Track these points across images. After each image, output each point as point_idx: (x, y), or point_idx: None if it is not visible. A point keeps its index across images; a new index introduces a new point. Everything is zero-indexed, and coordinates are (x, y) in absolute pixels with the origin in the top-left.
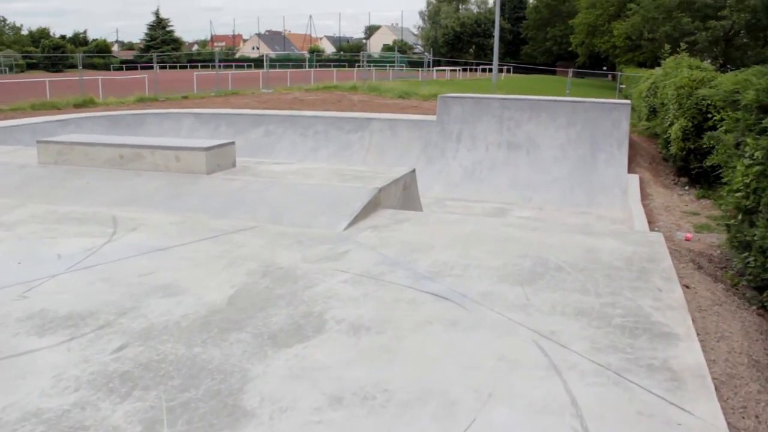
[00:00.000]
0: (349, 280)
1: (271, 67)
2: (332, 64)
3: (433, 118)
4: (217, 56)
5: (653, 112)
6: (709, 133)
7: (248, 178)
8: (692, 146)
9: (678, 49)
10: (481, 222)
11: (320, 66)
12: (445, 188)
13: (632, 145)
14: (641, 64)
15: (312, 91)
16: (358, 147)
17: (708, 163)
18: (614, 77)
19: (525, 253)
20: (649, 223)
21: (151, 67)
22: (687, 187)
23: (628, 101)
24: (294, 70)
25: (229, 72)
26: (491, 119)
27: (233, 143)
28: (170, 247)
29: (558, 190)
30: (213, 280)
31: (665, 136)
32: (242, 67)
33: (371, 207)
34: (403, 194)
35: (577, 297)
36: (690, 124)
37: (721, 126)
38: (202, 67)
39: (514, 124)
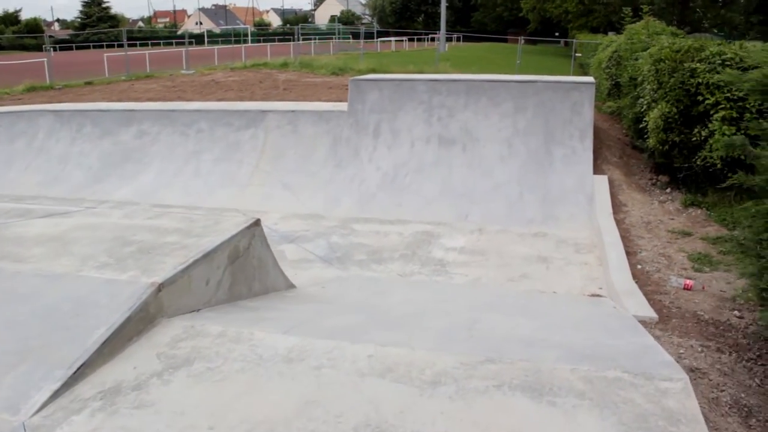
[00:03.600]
0: None
1: (213, 43)
2: (276, 38)
3: (344, 107)
4: (125, 34)
5: (617, 88)
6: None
7: None
8: (677, 138)
9: (640, 13)
10: (337, 356)
11: (264, 40)
12: (356, 202)
13: (595, 132)
14: (594, 30)
15: (238, 69)
16: (249, 148)
17: (701, 162)
18: (567, 44)
19: None
20: (628, 253)
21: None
22: (669, 189)
23: (592, 79)
24: (224, 46)
25: (146, 51)
26: (417, 107)
27: None
28: None
29: (503, 200)
30: None
31: (639, 125)
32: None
33: (138, 325)
34: (233, 269)
35: None
36: (674, 109)
37: (717, 113)
38: (141, 45)
39: (446, 113)
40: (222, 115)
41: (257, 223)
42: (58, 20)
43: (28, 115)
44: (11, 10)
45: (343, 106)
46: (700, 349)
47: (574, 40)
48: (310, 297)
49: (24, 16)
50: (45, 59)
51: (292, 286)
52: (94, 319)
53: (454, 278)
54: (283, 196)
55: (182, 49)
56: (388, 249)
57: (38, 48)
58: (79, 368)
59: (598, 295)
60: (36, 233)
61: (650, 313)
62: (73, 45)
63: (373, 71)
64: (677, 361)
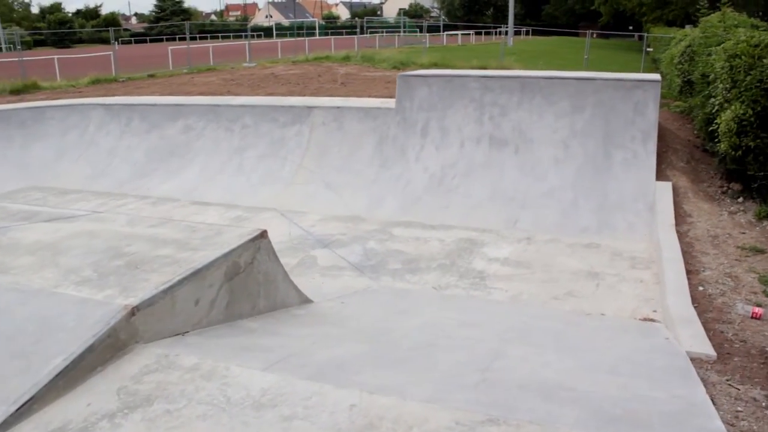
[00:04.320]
0: None
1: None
2: (344, 31)
3: (393, 103)
4: (188, 27)
5: (689, 85)
6: None
7: None
8: (752, 143)
9: (718, 4)
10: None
11: (331, 33)
12: (400, 204)
13: (662, 133)
14: (670, 23)
15: (299, 63)
16: (294, 145)
17: None
18: (641, 38)
19: None
20: (689, 272)
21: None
22: (741, 199)
23: (657, 76)
24: (289, 39)
25: (210, 44)
26: (468, 105)
27: None
28: None
29: (556, 206)
30: None
31: (710, 127)
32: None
33: (104, 353)
34: (231, 286)
35: None
36: (750, 111)
37: None
38: (212, 38)
39: (498, 112)
40: (267, 111)
41: (263, 235)
42: (135, 14)
43: (81, 108)
44: (92, 5)
45: (391, 102)
46: (764, 403)
47: (646, 34)
48: (321, 316)
49: (104, 10)
50: (111, 52)
51: (307, 301)
52: (56, 345)
53: (493, 293)
54: (326, 195)
55: (246, 42)
56: (426, 258)
57: (115, 42)
58: (24, 404)
59: (651, 320)
60: (32, 240)
61: (707, 350)
62: (147, 38)
63: (436, 66)
64: (733, 425)
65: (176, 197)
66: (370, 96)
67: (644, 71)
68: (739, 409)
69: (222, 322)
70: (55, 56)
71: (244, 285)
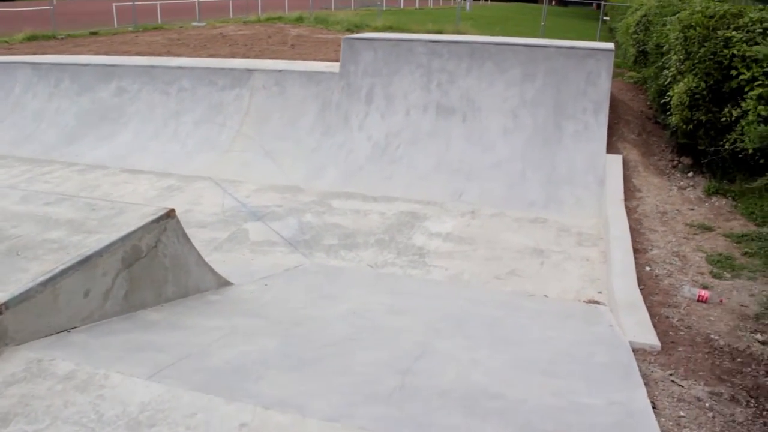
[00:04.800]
0: None
1: None
2: None
3: (337, 68)
4: None
5: (644, 56)
6: None
7: None
8: (704, 117)
9: None
10: None
11: None
12: (341, 174)
13: (614, 104)
14: None
15: (250, 23)
16: (233, 110)
17: (729, 145)
18: (599, 6)
19: None
20: (636, 250)
21: None
22: (691, 174)
23: (611, 45)
24: None
25: (159, 2)
26: (415, 71)
27: None
28: None
29: (504, 178)
30: None
31: (663, 99)
32: None
33: None
34: (131, 273)
35: None
36: (703, 84)
37: (753, 90)
38: None
39: (446, 78)
40: (206, 73)
41: (170, 214)
42: None
43: (5, 67)
44: None
45: (336, 67)
46: (708, 403)
47: (603, 2)
48: (238, 303)
49: None
50: (50, 6)
51: (226, 284)
52: None
53: (432, 272)
54: (264, 164)
55: (196, 0)
56: (364, 232)
57: None
58: None
59: (596, 302)
60: None
61: (652, 340)
62: None
63: (390, 29)
64: None
65: (106, 164)
66: (317, 59)
67: (600, 41)
68: (682, 414)
69: (119, 314)
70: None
71: (147, 271)
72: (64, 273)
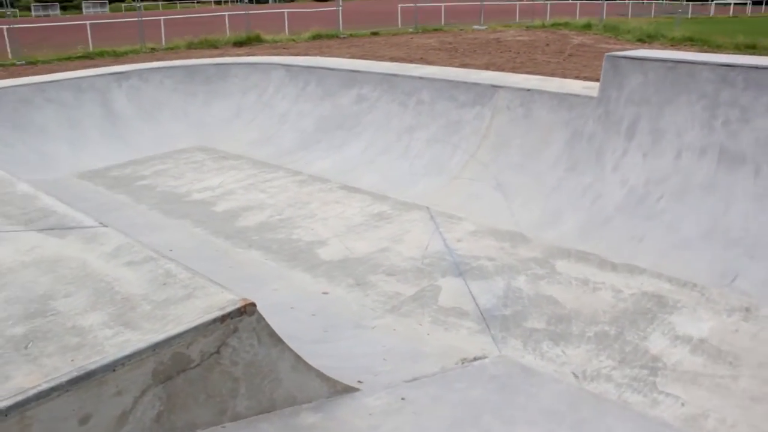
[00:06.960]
0: None
1: None
2: None
3: (595, 90)
4: None
5: None
6: None
7: None
8: None
9: None
10: None
11: None
12: (580, 225)
13: None
14: None
15: (533, 28)
16: (470, 131)
17: None
18: None
19: None
20: None
21: None
22: None
23: None
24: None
25: (442, 4)
26: (695, 102)
27: None
28: None
29: None
30: None
31: None
32: None
33: None
34: (173, 388)
35: None
36: None
37: None
38: None
39: (738, 115)
40: (447, 87)
41: (245, 310)
42: None
43: (263, 67)
44: None
45: (594, 89)
46: None
47: None
48: None
49: None
50: (338, 7)
51: (345, 390)
52: None
53: (660, 405)
54: (492, 199)
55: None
56: (584, 316)
57: None
58: None
59: None
60: None
61: None
62: None
63: (690, 41)
64: None
65: (328, 177)
66: (581, 77)
67: None
68: None
69: None
70: (285, 10)
71: (201, 384)
72: (44, 395)
